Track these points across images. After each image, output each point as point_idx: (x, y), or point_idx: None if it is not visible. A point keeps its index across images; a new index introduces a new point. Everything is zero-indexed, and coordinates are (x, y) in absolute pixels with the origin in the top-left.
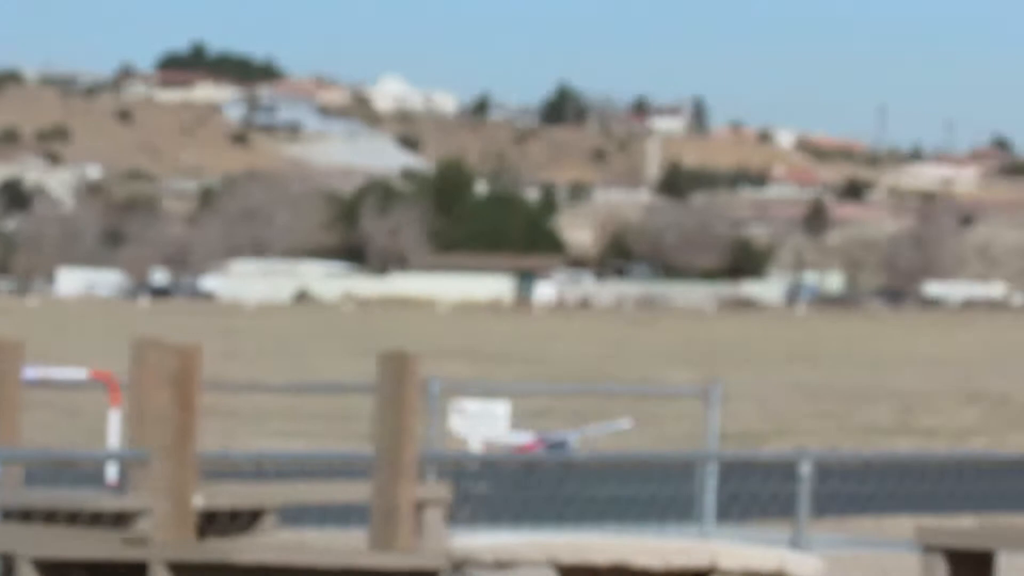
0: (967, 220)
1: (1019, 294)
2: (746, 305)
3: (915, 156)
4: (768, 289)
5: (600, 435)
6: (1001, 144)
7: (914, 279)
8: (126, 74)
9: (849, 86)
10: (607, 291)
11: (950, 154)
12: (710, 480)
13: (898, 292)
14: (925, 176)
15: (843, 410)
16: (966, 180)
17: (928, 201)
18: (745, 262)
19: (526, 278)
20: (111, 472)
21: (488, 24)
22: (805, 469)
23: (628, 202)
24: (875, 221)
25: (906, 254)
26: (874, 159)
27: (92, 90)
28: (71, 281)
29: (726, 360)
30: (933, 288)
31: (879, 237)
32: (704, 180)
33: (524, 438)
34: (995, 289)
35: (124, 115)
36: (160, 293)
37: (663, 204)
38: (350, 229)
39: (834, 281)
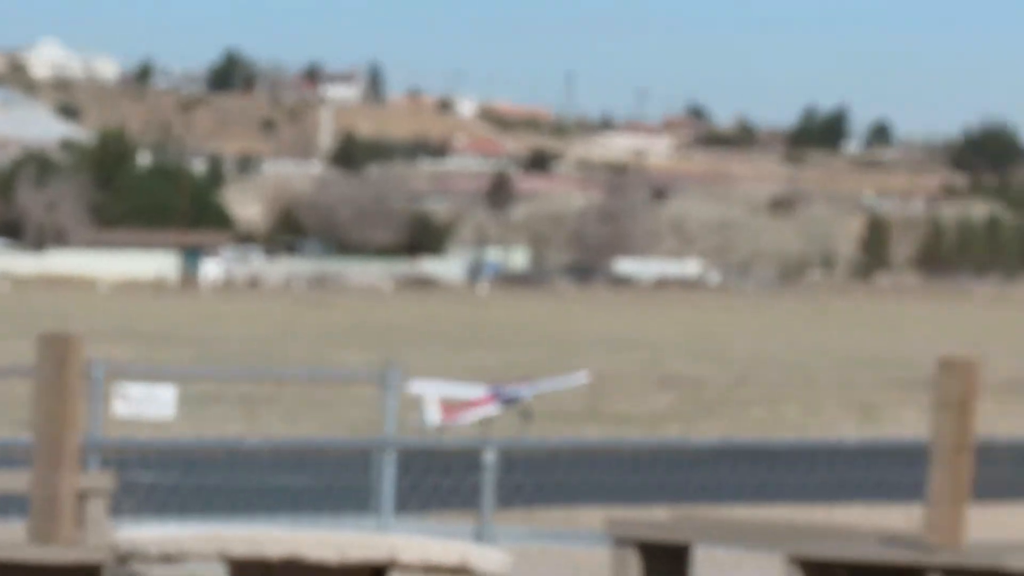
0: (660, 193)
1: (715, 272)
2: (425, 284)
3: (605, 125)
4: (448, 267)
5: (557, 390)
6: (696, 113)
7: (604, 256)
8: None
9: (534, 52)
10: (277, 269)
11: (642, 123)
12: (388, 469)
13: (587, 269)
14: (615, 147)
15: None
16: (659, 151)
17: (618, 173)
18: (424, 238)
19: (192, 255)
20: None
21: None
22: (489, 458)
23: (299, 175)
24: (562, 194)
25: (595, 229)
26: (561, 129)
27: None
28: None
29: (404, 342)
30: (624, 265)
31: (567, 211)
32: (380, 151)
33: (478, 392)
34: (690, 267)
35: None
36: None
37: (336, 177)
38: (5, 204)
39: (519, 258)
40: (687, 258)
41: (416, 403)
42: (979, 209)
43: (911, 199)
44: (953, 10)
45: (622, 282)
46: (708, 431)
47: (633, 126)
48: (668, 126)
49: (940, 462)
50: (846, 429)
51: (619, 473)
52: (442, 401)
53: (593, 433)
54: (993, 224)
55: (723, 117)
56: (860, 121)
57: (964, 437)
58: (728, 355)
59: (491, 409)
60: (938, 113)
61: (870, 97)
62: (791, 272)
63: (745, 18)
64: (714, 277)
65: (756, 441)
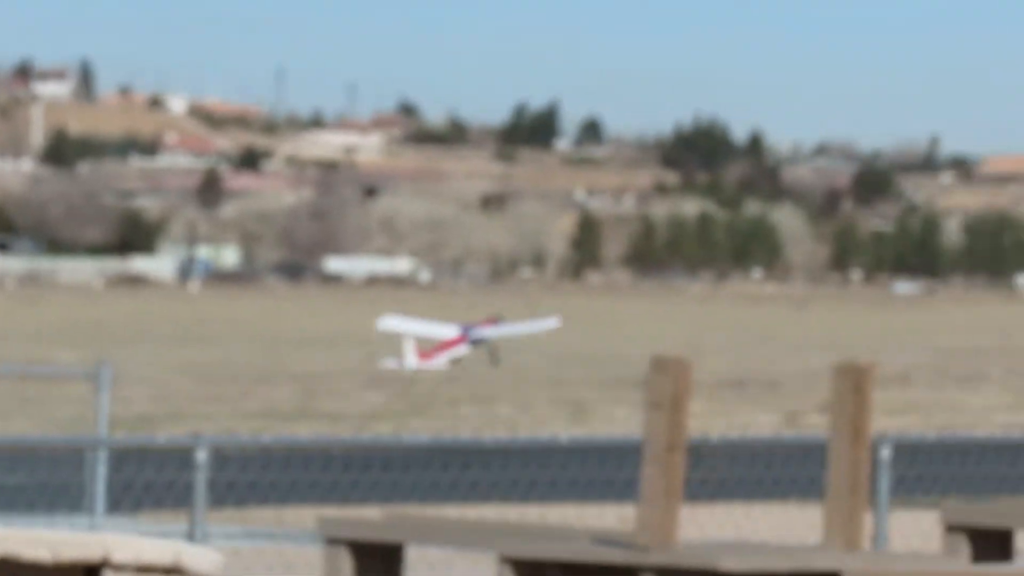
0: (371, 191)
1: (426, 270)
2: (136, 282)
3: (315, 123)
4: (160, 265)
5: (526, 333)
6: (407, 110)
7: (315, 254)
8: None
9: (244, 48)
10: None
11: (353, 120)
12: (100, 468)
13: (298, 267)
14: (326, 144)
15: (240, 393)
16: (370, 148)
17: (329, 171)
18: (135, 236)
19: None
20: None
21: None
22: (201, 456)
23: (10, 172)
24: (273, 192)
25: (306, 227)
26: (271, 126)
27: None
28: None
29: (116, 340)
30: (335, 263)
31: (277, 209)
32: (91, 149)
33: (451, 332)
34: (400, 264)
35: None
36: None
37: (48, 174)
38: None
39: (230, 256)
40: (398, 256)
41: (388, 344)
42: (690, 207)
43: (622, 197)
44: (664, 6)
45: (333, 280)
46: (419, 429)
47: (344, 123)
48: (379, 123)
49: (653, 461)
50: (558, 427)
51: (331, 472)
52: (417, 342)
53: (305, 431)
54: (704, 222)
55: (434, 114)
56: (571, 118)
57: (676, 436)
58: None
59: (462, 349)
60: (649, 110)
61: (581, 94)
62: (503, 270)
63: (455, 14)
64: (425, 275)
65: (468, 440)
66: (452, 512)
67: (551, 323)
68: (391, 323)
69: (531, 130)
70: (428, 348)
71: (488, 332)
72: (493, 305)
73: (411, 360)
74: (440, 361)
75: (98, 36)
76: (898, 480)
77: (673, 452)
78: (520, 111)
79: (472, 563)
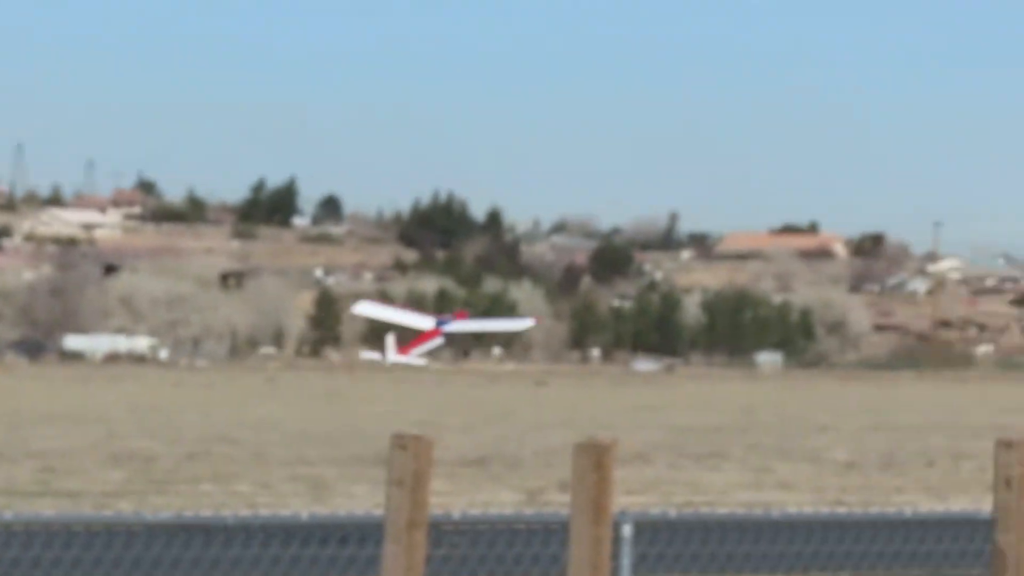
0: (110, 268)
1: (165, 349)
2: None
3: (54, 200)
4: None
5: (499, 329)
6: (146, 187)
7: (54, 331)
8: None
9: None
10: None
11: (91, 197)
12: None
13: (37, 345)
14: (65, 221)
15: None
16: (109, 225)
17: (68, 248)
18: None
19: None
20: None
21: None
22: None
23: None
24: (12, 269)
25: (45, 304)
26: (11, 203)
27: None
28: None
29: None
30: (74, 341)
31: (16, 286)
32: None
33: (427, 323)
34: (140, 342)
35: None
36: None
37: None
38: None
39: None
40: (137, 334)
41: (368, 335)
42: (429, 284)
43: (361, 274)
44: (400, 82)
45: (73, 357)
46: (160, 507)
47: (82, 201)
48: (118, 200)
49: (394, 539)
50: (298, 505)
51: (73, 549)
52: (396, 334)
53: (46, 509)
54: (443, 299)
55: (173, 191)
56: (309, 196)
57: (418, 513)
58: (178, 431)
59: (437, 340)
60: (387, 187)
61: (318, 171)
62: (242, 347)
63: (191, 92)
64: (164, 353)
65: (209, 517)
66: None
67: (526, 322)
68: (367, 309)
69: (269, 207)
70: (404, 342)
71: (461, 325)
72: (234, 382)
73: (392, 353)
74: (415, 354)
75: None
76: (640, 558)
77: (414, 530)
78: (258, 188)
79: None
